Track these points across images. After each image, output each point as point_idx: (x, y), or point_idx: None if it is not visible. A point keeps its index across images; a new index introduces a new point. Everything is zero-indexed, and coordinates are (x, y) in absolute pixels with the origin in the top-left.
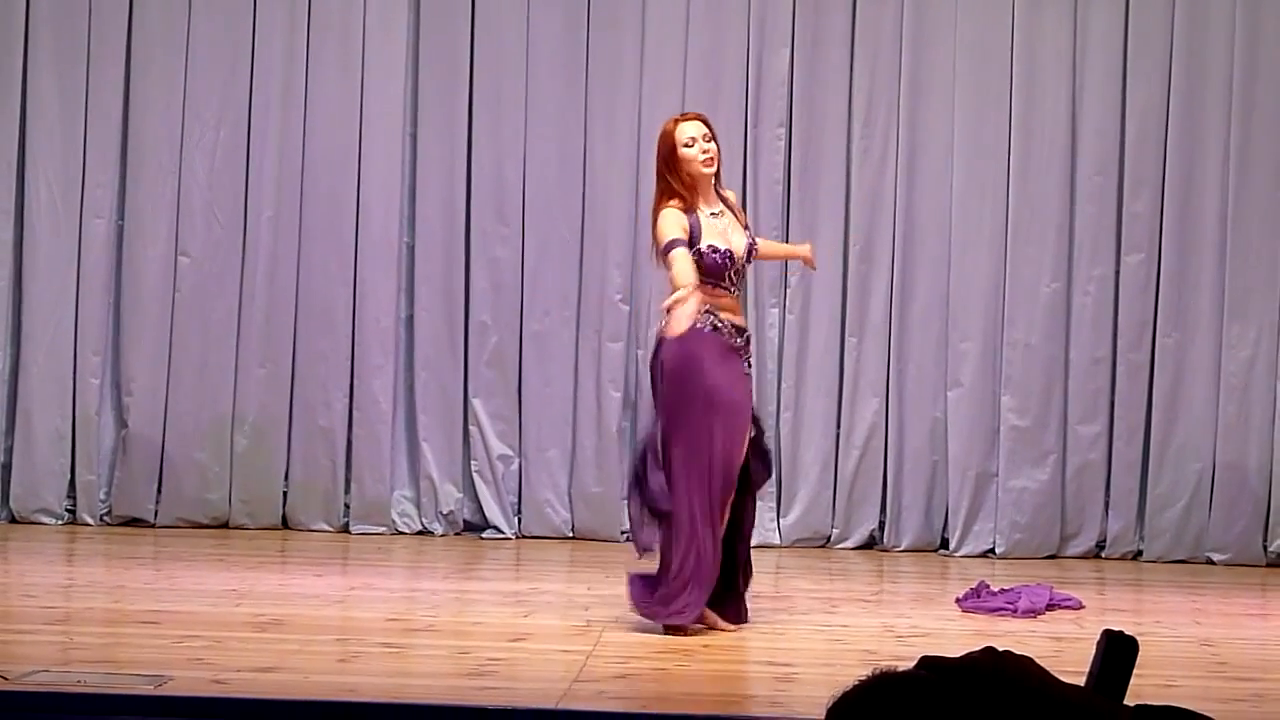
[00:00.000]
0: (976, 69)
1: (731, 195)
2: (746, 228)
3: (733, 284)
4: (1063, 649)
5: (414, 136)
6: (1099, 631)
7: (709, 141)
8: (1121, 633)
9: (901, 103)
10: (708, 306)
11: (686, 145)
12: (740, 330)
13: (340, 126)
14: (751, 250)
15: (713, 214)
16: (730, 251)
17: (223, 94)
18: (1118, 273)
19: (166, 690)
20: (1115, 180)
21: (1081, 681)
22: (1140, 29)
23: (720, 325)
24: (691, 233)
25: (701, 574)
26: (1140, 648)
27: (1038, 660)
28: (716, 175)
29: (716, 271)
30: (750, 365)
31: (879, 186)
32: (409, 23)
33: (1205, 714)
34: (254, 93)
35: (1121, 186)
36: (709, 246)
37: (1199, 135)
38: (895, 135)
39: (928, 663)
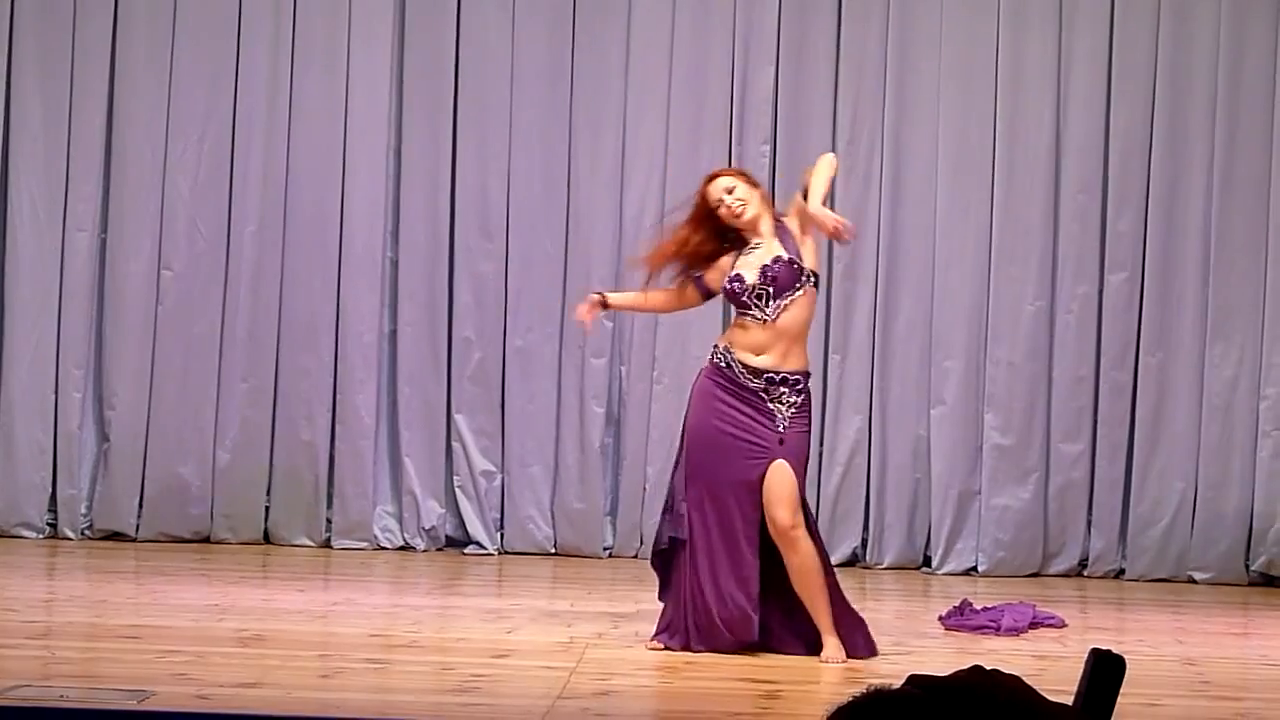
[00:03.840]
0: (961, 88)
1: (792, 212)
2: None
3: (758, 309)
4: (1045, 667)
5: (398, 151)
6: (1082, 650)
7: (731, 194)
8: (1109, 652)
9: (886, 121)
10: (726, 343)
11: (716, 206)
12: (760, 372)
13: (324, 141)
14: (767, 272)
15: (752, 247)
16: (740, 275)
17: (206, 108)
18: (1101, 292)
19: (149, 705)
20: (1099, 199)
21: (1068, 700)
22: (1124, 49)
23: (732, 363)
24: (732, 266)
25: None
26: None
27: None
28: (769, 206)
29: (735, 299)
30: (778, 405)
31: (863, 204)
32: (393, 38)
33: None
34: (238, 107)
35: (1105, 206)
36: (735, 274)
37: (1183, 155)
38: (879, 153)
39: (917, 681)
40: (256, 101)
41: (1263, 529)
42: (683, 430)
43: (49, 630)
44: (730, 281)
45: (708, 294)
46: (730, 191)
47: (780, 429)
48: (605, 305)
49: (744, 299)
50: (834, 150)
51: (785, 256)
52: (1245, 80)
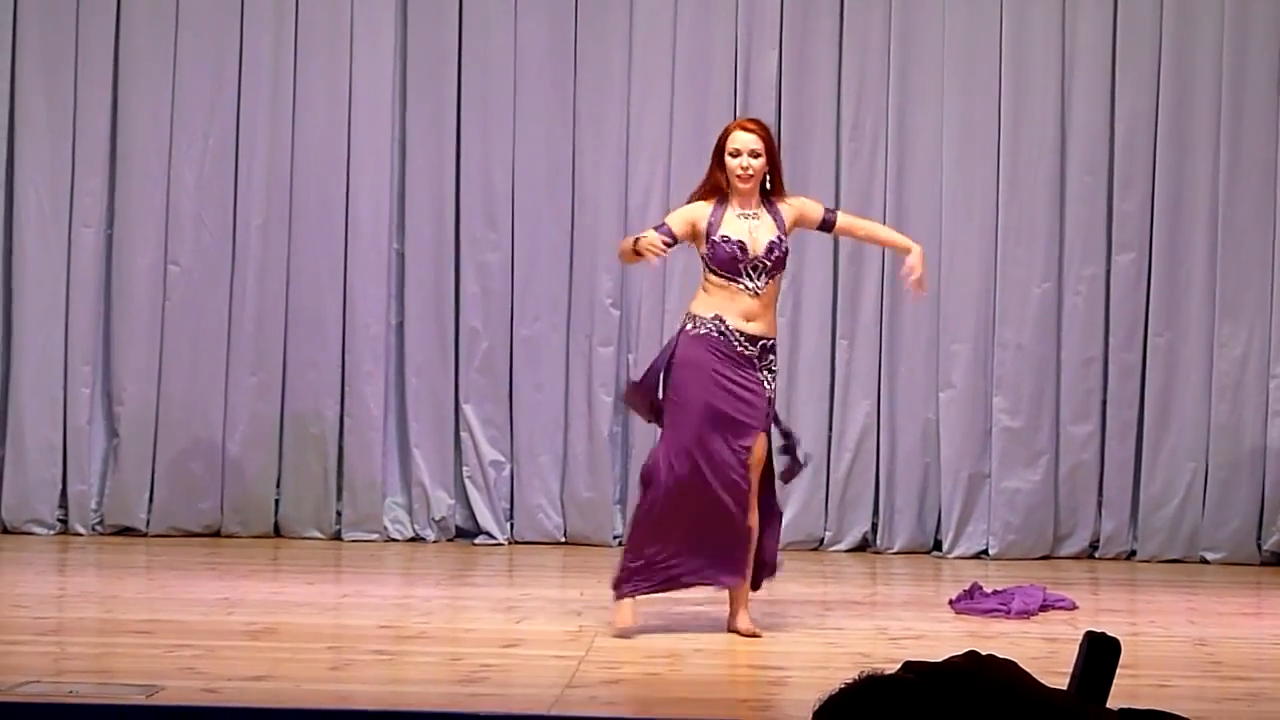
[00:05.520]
0: (965, 70)
1: (794, 203)
2: (785, 233)
3: (751, 280)
4: (1056, 650)
5: (403, 143)
6: (1086, 630)
7: (754, 158)
8: (1103, 634)
9: (890, 104)
10: (715, 312)
11: (732, 155)
12: (755, 339)
13: (329, 134)
14: (773, 250)
15: (742, 214)
16: (742, 243)
17: (211, 102)
18: (1108, 272)
19: (158, 700)
20: (1105, 180)
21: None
22: (1129, 28)
23: (726, 331)
24: (709, 224)
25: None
26: (1133, 649)
27: (1030, 662)
28: (772, 187)
29: (729, 263)
30: (770, 372)
31: (868, 188)
32: (397, 29)
33: (1193, 718)
34: (242, 100)
35: (1111, 186)
36: (722, 236)
37: (1188, 134)
38: (884, 137)
39: (912, 667)
40: (260, 95)
41: (1274, 508)
42: (672, 398)
43: (60, 626)
44: (721, 242)
45: (672, 242)
46: (753, 154)
47: (768, 396)
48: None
49: (739, 265)
50: (838, 136)
51: (782, 240)
52: (1250, 58)
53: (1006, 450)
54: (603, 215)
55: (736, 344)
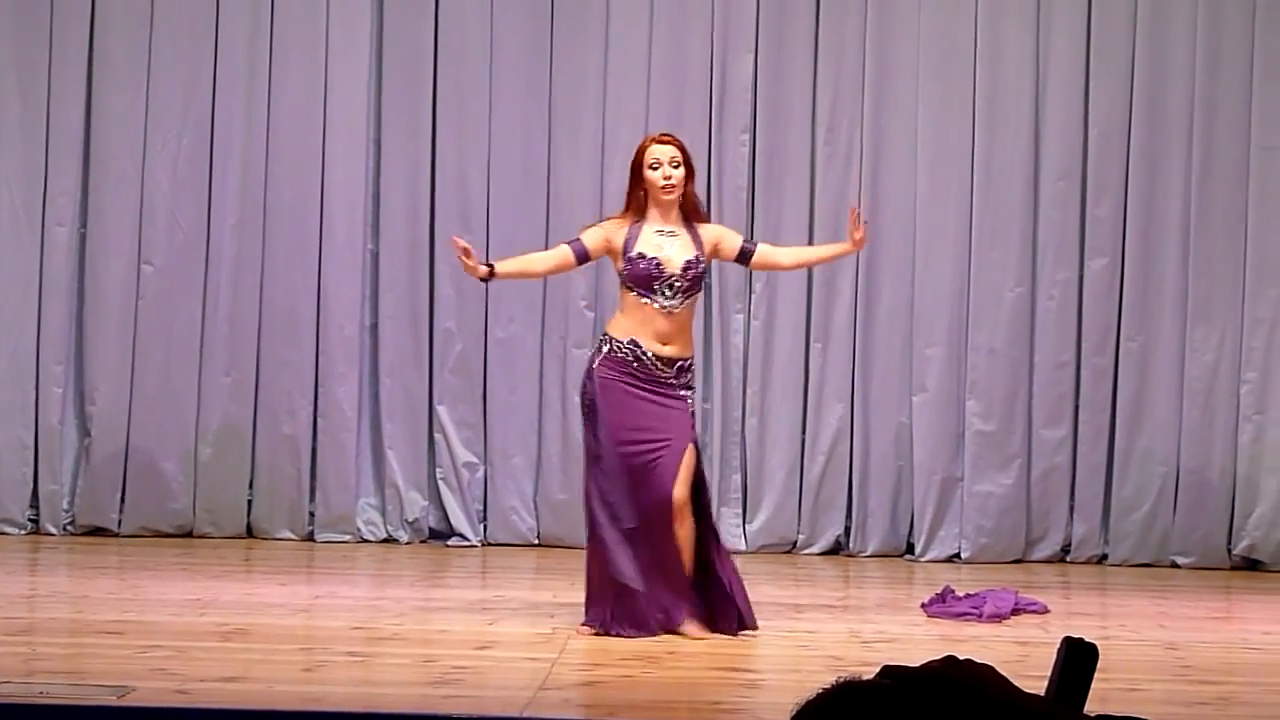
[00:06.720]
0: (939, 74)
1: (714, 229)
2: (708, 253)
3: (665, 298)
4: (1028, 653)
5: (378, 143)
6: (1063, 636)
7: (675, 167)
8: (1081, 640)
9: (865, 108)
10: (631, 336)
11: (651, 167)
12: (671, 360)
13: (303, 134)
14: (690, 269)
15: (659, 231)
16: (658, 260)
17: (185, 101)
18: (1081, 277)
19: (129, 701)
20: (1078, 185)
21: (1043, 689)
22: (1102, 33)
23: (642, 355)
24: (626, 240)
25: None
26: (1104, 652)
27: (1003, 665)
28: (689, 204)
29: (643, 280)
30: (687, 391)
31: (843, 192)
32: (372, 30)
33: None
34: (217, 100)
35: (1085, 191)
36: (638, 254)
37: (1161, 139)
38: (859, 141)
39: (889, 672)
40: (235, 94)
41: (1244, 513)
42: (593, 427)
43: (31, 626)
44: (638, 259)
45: (584, 258)
46: (673, 164)
47: (690, 413)
48: (492, 275)
49: (654, 284)
50: (813, 139)
51: (700, 260)
52: (1223, 64)
53: (979, 454)
54: (578, 216)
55: (653, 367)
